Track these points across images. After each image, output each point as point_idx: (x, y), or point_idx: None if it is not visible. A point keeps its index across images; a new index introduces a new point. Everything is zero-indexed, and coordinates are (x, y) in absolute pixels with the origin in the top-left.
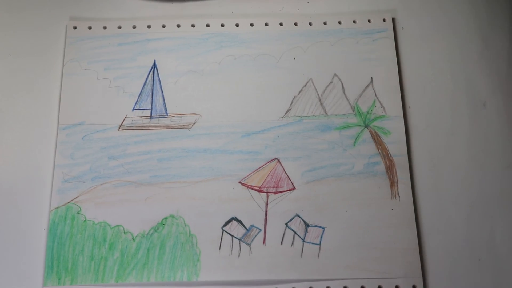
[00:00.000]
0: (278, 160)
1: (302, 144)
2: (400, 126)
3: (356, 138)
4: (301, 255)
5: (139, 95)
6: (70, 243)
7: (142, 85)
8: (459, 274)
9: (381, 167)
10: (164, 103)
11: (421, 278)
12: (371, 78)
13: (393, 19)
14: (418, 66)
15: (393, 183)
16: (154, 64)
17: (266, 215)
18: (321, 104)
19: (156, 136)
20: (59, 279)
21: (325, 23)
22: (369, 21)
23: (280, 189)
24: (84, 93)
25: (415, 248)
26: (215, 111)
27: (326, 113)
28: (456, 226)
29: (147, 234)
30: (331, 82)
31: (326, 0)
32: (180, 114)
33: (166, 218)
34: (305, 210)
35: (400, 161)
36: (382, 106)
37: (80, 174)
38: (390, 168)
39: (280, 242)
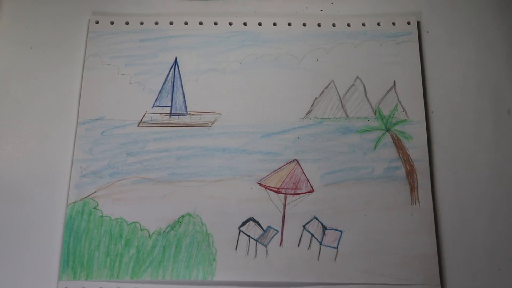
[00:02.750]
0: (298, 162)
1: (322, 146)
2: (422, 131)
3: (377, 142)
4: (318, 258)
5: (160, 92)
6: (86, 238)
7: (162, 82)
8: (478, 283)
9: (402, 172)
10: (184, 100)
11: (439, 286)
12: (394, 81)
13: (418, 23)
14: (442, 71)
15: (413, 188)
16: (176, 61)
17: (283, 216)
18: (343, 106)
19: (175, 134)
20: (75, 273)
21: (348, 25)
22: (393, 24)
23: (298, 191)
24: (104, 88)
25: (434, 255)
26: (235, 110)
27: (347, 115)
28: (476, 234)
29: (164, 231)
30: (353, 85)
31: (351, 2)
32: (200, 112)
33: (183, 216)
34: (323, 213)
35: (421, 166)
36: (404, 110)
37: (98, 169)
38: (410, 173)
39: (297, 244)
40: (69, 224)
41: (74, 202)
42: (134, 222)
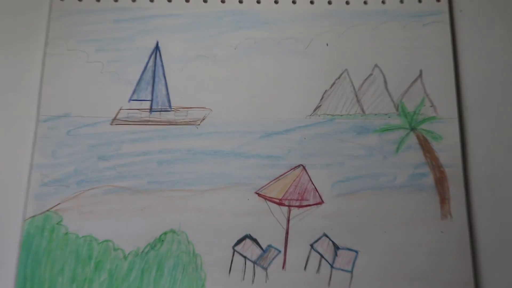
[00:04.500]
0: (304, 167)
1: (333, 148)
2: (454, 130)
3: (400, 143)
4: (329, 283)
5: (138, 83)
6: (48, 260)
7: (141, 71)
8: None
9: (430, 179)
10: (168, 94)
11: None
12: (420, 70)
13: (450, 0)
14: (478, 58)
15: (443, 199)
16: (157, 47)
17: (287, 233)
18: (358, 101)
19: (157, 134)
20: None
21: (365, 2)
22: (419, 1)
23: (305, 203)
24: (71, 79)
25: (469, 282)
26: (229, 106)
27: (363, 112)
28: None
29: (142, 252)
30: (370, 75)
31: None
32: (187, 108)
33: (165, 233)
34: (335, 229)
35: (453, 173)
36: (432, 105)
37: (63, 176)
38: (440, 182)
39: (304, 267)
40: (26, 243)
41: (33, 217)
42: (106, 241)
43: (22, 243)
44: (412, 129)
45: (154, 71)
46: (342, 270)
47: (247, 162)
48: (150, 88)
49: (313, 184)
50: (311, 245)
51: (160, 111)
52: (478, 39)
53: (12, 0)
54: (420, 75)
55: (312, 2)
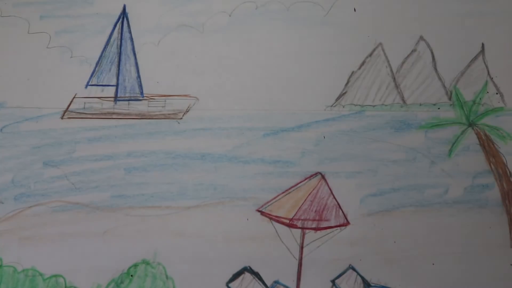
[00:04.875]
0: (323, 176)
1: (362, 151)
2: None
3: (454, 144)
4: None
5: (98, 62)
6: None
7: (102, 46)
8: None
9: (495, 193)
10: (139, 76)
11: None
12: (482, 44)
13: None
14: None
15: None
16: (124, 12)
17: (300, 265)
18: (397, 86)
19: (124, 131)
20: None
21: None
22: None
23: (324, 224)
24: (5, 56)
25: None
26: (221, 93)
27: (404, 101)
28: None
29: None
30: (414, 51)
31: None
32: (165, 96)
33: (136, 265)
34: (365, 260)
35: None
36: (499, 92)
37: None
38: (509, 196)
39: None
40: None
41: None
42: (55, 276)
43: None
44: (471, 124)
45: (120, 46)
46: None
47: (246, 169)
48: (114, 69)
49: (335, 199)
50: (333, 282)
51: (129, 100)
52: None
53: None
54: (482, 50)
55: None
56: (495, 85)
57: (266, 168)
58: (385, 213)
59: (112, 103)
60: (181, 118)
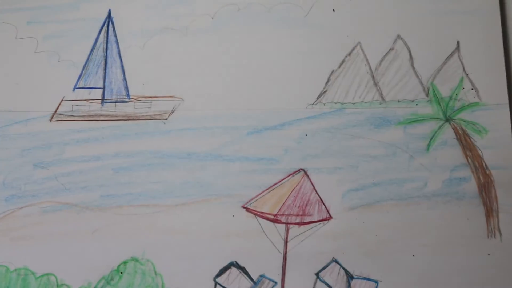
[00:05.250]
0: (305, 173)
1: (343, 147)
2: (504, 120)
3: (432, 139)
4: None
5: (85, 65)
6: None
7: (89, 50)
8: None
9: (472, 185)
10: (125, 79)
11: None
12: (458, 42)
13: None
14: None
15: (490, 212)
16: (109, 16)
17: (284, 259)
18: (376, 84)
19: (112, 132)
20: None
21: None
22: None
23: (308, 219)
24: None
25: None
26: (205, 94)
27: (382, 98)
28: None
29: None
30: (391, 49)
31: None
32: (150, 97)
33: (125, 262)
34: (348, 253)
35: (503, 176)
36: (474, 87)
37: None
38: (485, 188)
39: None
40: None
41: None
42: (47, 275)
43: None
44: (447, 119)
45: (106, 50)
46: None
47: (231, 167)
48: (101, 72)
49: (318, 194)
50: (317, 274)
51: (115, 102)
52: None
53: None
54: (458, 48)
55: None
56: (471, 81)
57: (250, 166)
58: (366, 207)
59: (99, 105)
60: (166, 119)
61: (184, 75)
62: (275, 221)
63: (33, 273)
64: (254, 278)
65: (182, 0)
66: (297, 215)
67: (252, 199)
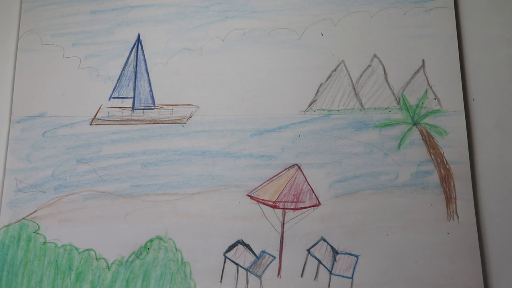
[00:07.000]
0: (299, 167)
1: (330, 146)
2: (461, 124)
3: (402, 139)
4: None
5: (118, 79)
6: (25, 272)
7: (122, 67)
8: None
9: (434, 177)
10: (151, 90)
11: None
12: (423, 60)
13: None
14: (485, 45)
15: (449, 199)
16: (138, 39)
17: (282, 238)
18: (356, 94)
19: (140, 134)
20: None
21: None
22: None
23: (301, 205)
24: (45, 76)
25: (479, 286)
26: (217, 102)
27: (362, 106)
28: None
29: (127, 261)
30: (369, 66)
31: None
32: (172, 105)
33: (151, 240)
34: (334, 233)
35: (460, 170)
36: (436, 97)
37: (39, 181)
38: (446, 180)
39: (301, 274)
40: (1, 255)
41: (8, 225)
42: (88, 250)
43: None
44: (415, 123)
45: (135, 66)
46: (342, 276)
47: (237, 162)
48: (132, 85)
49: (309, 185)
50: (308, 250)
51: (143, 109)
52: (485, 25)
53: None
54: (423, 65)
55: None
56: (434, 92)
57: (253, 161)
58: (349, 195)
59: (130, 112)
60: (185, 123)
61: (200, 87)
62: (274, 206)
63: (76, 249)
64: (257, 253)
65: (197, 26)
66: (292, 201)
67: (255, 188)
